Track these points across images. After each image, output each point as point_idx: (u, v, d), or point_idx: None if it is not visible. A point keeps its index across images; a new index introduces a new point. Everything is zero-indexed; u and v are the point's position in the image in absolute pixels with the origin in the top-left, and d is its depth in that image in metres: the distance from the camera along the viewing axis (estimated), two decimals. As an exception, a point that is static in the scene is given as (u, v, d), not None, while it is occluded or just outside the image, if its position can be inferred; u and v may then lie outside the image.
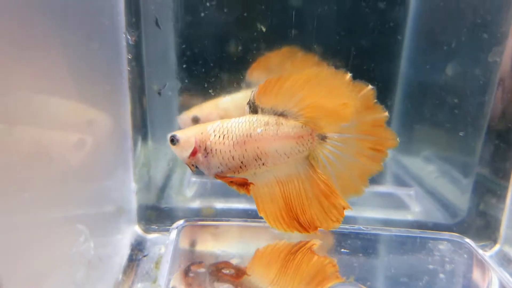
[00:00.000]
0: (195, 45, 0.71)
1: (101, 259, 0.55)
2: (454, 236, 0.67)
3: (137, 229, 0.67)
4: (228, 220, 0.69)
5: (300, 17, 0.71)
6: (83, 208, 0.56)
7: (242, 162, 0.58)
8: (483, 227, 0.70)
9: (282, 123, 0.57)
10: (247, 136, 0.57)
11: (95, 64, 0.56)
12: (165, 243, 0.63)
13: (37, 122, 0.45)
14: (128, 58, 0.65)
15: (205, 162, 0.58)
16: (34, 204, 0.44)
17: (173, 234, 0.63)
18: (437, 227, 0.73)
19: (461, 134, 0.76)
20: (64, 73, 0.49)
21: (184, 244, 0.62)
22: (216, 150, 0.58)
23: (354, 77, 0.63)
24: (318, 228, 0.59)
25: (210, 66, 0.72)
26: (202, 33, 0.71)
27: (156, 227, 0.68)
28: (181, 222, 0.67)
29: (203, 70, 0.72)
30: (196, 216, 0.72)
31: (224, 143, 0.57)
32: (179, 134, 0.59)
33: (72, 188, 0.53)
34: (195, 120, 0.72)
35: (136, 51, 0.66)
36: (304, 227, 0.59)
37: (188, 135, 0.59)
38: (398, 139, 0.59)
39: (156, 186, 0.73)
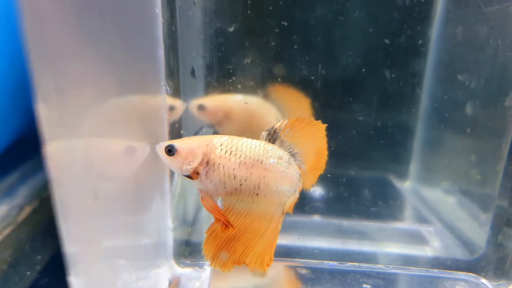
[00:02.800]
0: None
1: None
2: (470, 276, 0.70)
3: (174, 265, 0.72)
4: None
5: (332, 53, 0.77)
6: (124, 241, 0.62)
7: (241, 185, 0.56)
8: (500, 265, 0.73)
9: (291, 164, 0.59)
10: (257, 161, 0.56)
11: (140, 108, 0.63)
12: (199, 278, 0.68)
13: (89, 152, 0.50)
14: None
15: (203, 176, 0.56)
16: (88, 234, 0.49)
17: (207, 271, 0.69)
18: (455, 263, 0.76)
19: (478, 177, 0.79)
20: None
21: (218, 281, 0.67)
22: (219, 165, 0.55)
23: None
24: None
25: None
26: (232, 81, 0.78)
27: (189, 262, 0.73)
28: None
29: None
30: None
31: (230, 159, 0.55)
32: (178, 144, 0.57)
33: (114, 220, 0.59)
34: (201, 108, 0.75)
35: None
36: (235, 260, 0.62)
37: (192, 146, 0.56)
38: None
39: (189, 218, 0.79)
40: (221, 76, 0.77)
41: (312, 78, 0.78)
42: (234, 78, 0.76)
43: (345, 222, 0.87)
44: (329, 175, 0.88)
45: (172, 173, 0.72)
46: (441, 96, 0.87)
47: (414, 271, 0.72)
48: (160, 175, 0.69)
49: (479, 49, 0.78)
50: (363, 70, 0.81)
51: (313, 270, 0.71)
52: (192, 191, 0.81)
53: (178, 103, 0.73)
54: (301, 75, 0.79)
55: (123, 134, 0.60)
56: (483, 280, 0.69)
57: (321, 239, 0.81)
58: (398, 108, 0.87)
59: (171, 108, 0.70)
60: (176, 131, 0.72)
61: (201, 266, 0.71)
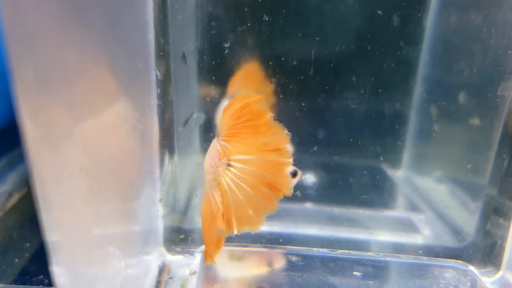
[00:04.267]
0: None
1: (131, 280, 0.61)
2: (459, 263, 0.71)
3: (164, 251, 0.72)
4: (248, 246, 0.73)
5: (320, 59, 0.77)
6: (115, 228, 0.61)
7: None
8: (488, 252, 0.74)
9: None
10: None
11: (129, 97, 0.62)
12: (189, 265, 0.68)
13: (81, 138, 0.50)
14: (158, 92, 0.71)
15: None
16: (71, 222, 0.48)
17: (198, 258, 0.69)
18: (445, 251, 0.77)
19: (469, 166, 0.79)
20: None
21: (209, 269, 0.67)
22: None
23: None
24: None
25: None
26: (226, 67, 0.77)
27: (180, 249, 0.73)
28: (202, 247, 0.72)
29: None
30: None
31: None
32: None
33: (103, 207, 0.59)
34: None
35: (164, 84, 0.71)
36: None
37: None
38: (292, 191, 0.61)
39: (181, 206, 0.79)
40: (213, 60, 0.75)
41: (305, 64, 0.77)
42: (225, 63, 0.75)
43: (337, 210, 0.88)
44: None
45: (162, 160, 0.71)
46: (435, 85, 0.87)
47: (404, 258, 0.73)
48: (150, 162, 0.69)
49: (473, 38, 0.78)
50: (357, 57, 0.80)
51: (304, 257, 0.71)
52: (183, 178, 0.80)
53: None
54: (293, 62, 0.78)
55: (110, 120, 0.59)
56: (471, 267, 0.70)
57: (312, 226, 0.82)
58: (392, 97, 0.87)
59: None
60: (167, 117, 0.72)
61: (191, 253, 0.71)
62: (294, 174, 0.62)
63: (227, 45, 0.75)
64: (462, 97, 0.83)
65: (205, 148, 0.80)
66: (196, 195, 0.82)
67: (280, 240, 0.77)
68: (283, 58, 0.76)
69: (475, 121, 0.79)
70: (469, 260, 0.74)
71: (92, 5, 0.52)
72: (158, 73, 0.69)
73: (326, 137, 0.87)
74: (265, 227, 0.80)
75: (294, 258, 0.71)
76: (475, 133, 0.82)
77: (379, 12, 0.79)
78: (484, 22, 0.75)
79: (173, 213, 0.76)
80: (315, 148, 0.84)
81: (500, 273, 0.71)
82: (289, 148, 0.61)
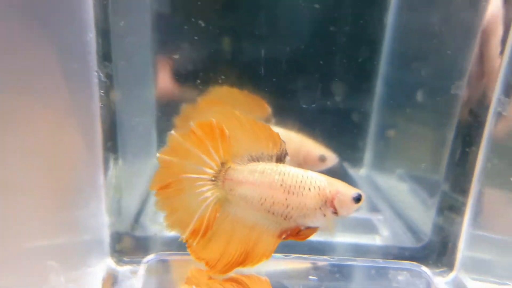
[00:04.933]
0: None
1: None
2: (413, 265, 0.71)
3: (110, 262, 0.69)
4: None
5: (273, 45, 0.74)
6: (53, 240, 0.58)
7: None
8: (443, 252, 0.74)
9: None
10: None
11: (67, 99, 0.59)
12: (137, 275, 0.65)
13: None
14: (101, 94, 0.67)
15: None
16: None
17: (142, 270, 0.66)
18: (403, 252, 0.76)
19: (423, 165, 0.79)
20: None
21: (153, 281, 0.64)
22: None
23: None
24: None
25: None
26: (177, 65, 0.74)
27: (129, 259, 0.70)
28: (152, 256, 0.69)
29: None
30: (173, 246, 0.73)
31: None
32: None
33: (42, 217, 0.55)
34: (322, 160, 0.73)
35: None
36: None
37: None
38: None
39: (130, 213, 0.75)
40: (160, 60, 0.73)
41: (260, 64, 0.75)
42: (173, 62, 0.72)
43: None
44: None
45: (107, 166, 0.68)
46: (395, 84, 0.86)
47: (360, 261, 0.72)
48: (93, 168, 0.65)
49: (429, 37, 0.77)
50: (318, 56, 0.78)
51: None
52: (135, 183, 0.77)
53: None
54: (247, 60, 0.76)
55: (51, 126, 0.56)
56: (425, 269, 0.70)
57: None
58: (353, 96, 0.86)
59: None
60: (111, 120, 0.68)
61: (139, 263, 0.68)
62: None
63: (175, 44, 0.72)
64: (419, 96, 0.82)
65: None
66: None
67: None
68: (233, 57, 0.74)
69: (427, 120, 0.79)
70: (425, 260, 0.74)
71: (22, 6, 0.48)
72: (101, 75, 0.66)
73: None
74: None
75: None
76: (432, 131, 0.82)
77: (336, 12, 0.77)
78: (439, 22, 0.75)
79: (123, 221, 0.72)
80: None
81: (453, 273, 0.71)
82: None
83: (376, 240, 0.81)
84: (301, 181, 0.58)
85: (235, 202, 0.59)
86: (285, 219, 0.58)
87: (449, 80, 0.74)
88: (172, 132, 0.59)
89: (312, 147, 0.77)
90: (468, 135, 0.70)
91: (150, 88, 0.77)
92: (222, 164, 0.59)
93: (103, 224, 0.68)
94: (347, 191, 0.59)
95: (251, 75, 0.75)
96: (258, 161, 0.59)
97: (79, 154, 0.63)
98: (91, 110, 0.64)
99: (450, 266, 0.72)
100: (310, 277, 0.69)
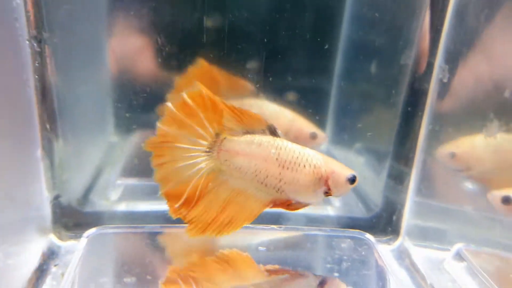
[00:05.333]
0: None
1: (10, 270, 0.56)
2: (357, 233, 0.72)
3: (52, 237, 0.67)
4: (143, 227, 0.70)
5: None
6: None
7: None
8: (389, 221, 0.75)
9: None
10: None
11: None
12: (80, 250, 0.64)
13: None
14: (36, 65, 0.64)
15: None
16: None
17: (83, 243, 0.65)
18: (353, 221, 0.77)
19: (369, 134, 0.79)
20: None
21: (93, 255, 0.63)
22: None
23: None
24: None
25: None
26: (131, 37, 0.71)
27: (74, 234, 0.68)
28: (93, 230, 0.68)
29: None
30: (120, 221, 0.73)
31: None
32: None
33: None
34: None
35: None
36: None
37: None
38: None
39: (75, 189, 0.74)
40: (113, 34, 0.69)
41: (220, 46, 0.72)
42: (112, 29, 0.69)
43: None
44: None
45: (45, 142, 0.65)
46: (352, 59, 0.85)
47: (307, 230, 0.72)
48: (29, 142, 0.63)
49: (382, 10, 0.76)
50: (278, 34, 0.76)
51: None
52: (78, 161, 0.75)
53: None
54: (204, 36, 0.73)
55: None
56: (368, 236, 0.71)
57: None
58: (312, 72, 0.85)
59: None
60: (48, 94, 0.65)
61: (80, 238, 0.66)
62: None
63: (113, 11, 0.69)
64: (373, 70, 0.82)
65: (121, 129, 0.75)
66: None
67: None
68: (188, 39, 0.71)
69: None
70: (373, 229, 0.75)
71: None
72: (35, 44, 0.63)
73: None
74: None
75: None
76: (386, 104, 0.82)
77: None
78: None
79: (66, 197, 0.71)
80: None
81: (398, 241, 0.73)
82: None
83: (328, 211, 0.82)
84: (297, 157, 0.57)
85: (228, 172, 0.59)
86: (277, 191, 0.58)
87: (399, 51, 0.73)
88: (168, 103, 0.58)
89: (304, 124, 0.76)
90: (413, 105, 0.70)
91: (102, 64, 0.74)
92: (217, 134, 0.58)
93: (43, 201, 0.66)
94: (342, 171, 0.58)
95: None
96: (253, 133, 0.59)
97: (11, 129, 0.60)
98: (23, 80, 0.61)
99: (396, 234, 0.74)
100: (260, 248, 0.69)
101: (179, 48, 0.71)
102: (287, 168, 0.57)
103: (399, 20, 0.74)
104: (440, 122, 0.66)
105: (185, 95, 0.57)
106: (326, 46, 0.81)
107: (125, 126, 0.75)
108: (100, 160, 0.80)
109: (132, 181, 0.79)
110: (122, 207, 0.77)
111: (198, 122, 0.57)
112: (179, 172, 0.59)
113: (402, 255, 0.70)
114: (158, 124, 0.58)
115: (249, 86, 0.73)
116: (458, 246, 0.67)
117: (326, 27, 0.80)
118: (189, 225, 0.60)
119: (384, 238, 0.73)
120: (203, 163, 0.58)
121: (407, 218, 0.72)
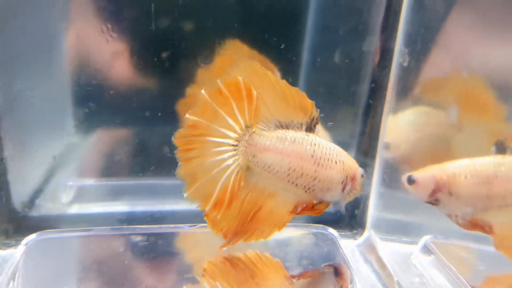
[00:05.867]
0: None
1: None
2: (321, 228, 0.69)
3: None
4: (90, 230, 0.65)
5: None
6: None
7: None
8: (354, 215, 0.72)
9: None
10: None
11: None
12: (17, 258, 0.59)
13: None
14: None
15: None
16: None
17: (20, 251, 0.59)
18: (316, 216, 0.73)
19: (329, 124, 0.76)
20: None
21: (30, 264, 0.58)
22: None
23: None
24: None
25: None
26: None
27: (13, 242, 0.63)
28: (33, 236, 0.63)
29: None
30: (69, 225, 0.68)
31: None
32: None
33: None
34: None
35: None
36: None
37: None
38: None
39: (21, 192, 0.68)
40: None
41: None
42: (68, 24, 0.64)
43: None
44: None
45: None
46: (317, 49, 0.82)
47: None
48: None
49: None
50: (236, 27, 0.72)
51: (153, 236, 0.64)
52: (28, 162, 0.70)
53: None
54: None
55: None
56: (332, 231, 0.68)
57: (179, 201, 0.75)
58: (281, 63, 0.81)
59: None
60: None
61: (19, 245, 0.61)
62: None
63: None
64: (337, 58, 0.79)
65: (81, 128, 0.70)
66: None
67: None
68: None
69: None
70: (339, 224, 0.71)
71: None
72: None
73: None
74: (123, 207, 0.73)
75: (139, 238, 0.64)
76: (353, 93, 0.79)
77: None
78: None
79: (9, 200, 0.66)
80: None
81: (365, 235, 0.70)
82: None
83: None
84: (328, 153, 0.54)
85: (257, 171, 0.54)
86: (306, 191, 0.54)
87: (361, 38, 0.70)
88: (202, 91, 0.52)
89: None
90: (375, 94, 0.67)
91: (56, 61, 0.69)
92: (247, 127, 0.53)
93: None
94: (357, 166, 0.57)
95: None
96: (287, 128, 0.54)
97: None
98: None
99: (361, 228, 0.71)
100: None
101: (135, 41, 0.66)
102: (322, 166, 0.54)
103: (359, 6, 0.71)
104: (401, 109, 0.63)
105: (220, 83, 0.52)
106: (295, 36, 0.78)
107: (86, 125, 0.70)
108: (54, 161, 0.75)
109: (88, 182, 0.75)
110: (73, 209, 0.73)
111: (229, 112, 0.52)
112: (207, 169, 0.53)
113: (368, 250, 0.67)
114: (188, 115, 0.53)
115: (274, 70, 0.70)
116: (426, 238, 0.65)
117: (290, 20, 0.77)
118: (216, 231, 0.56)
119: (349, 233, 0.70)
120: (230, 159, 0.53)
121: (373, 211, 0.69)
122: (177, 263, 0.61)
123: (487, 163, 0.53)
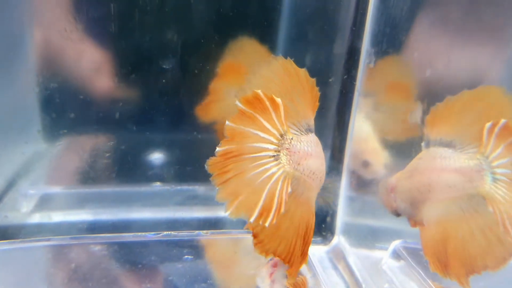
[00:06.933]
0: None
1: None
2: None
3: None
4: (49, 240, 0.62)
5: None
6: None
7: None
8: (323, 221, 0.70)
9: None
10: None
11: None
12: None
13: None
14: None
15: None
16: None
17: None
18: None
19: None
20: None
21: None
22: None
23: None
24: None
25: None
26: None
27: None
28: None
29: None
30: (28, 235, 0.66)
31: None
32: None
33: None
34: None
35: None
36: None
37: None
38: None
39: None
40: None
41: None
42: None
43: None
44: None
45: None
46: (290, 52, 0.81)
47: (235, 234, 0.66)
48: None
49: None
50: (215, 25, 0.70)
51: (115, 245, 0.62)
52: None
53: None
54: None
55: None
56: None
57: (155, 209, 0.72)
58: None
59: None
60: None
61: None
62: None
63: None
64: (308, 61, 0.78)
65: (49, 135, 0.68)
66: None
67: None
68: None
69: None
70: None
71: None
72: None
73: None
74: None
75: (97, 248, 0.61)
76: (322, 97, 0.78)
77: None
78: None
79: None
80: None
81: (334, 241, 0.68)
82: None
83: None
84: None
85: (302, 180, 0.49)
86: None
87: (332, 41, 0.69)
88: (227, 122, 0.46)
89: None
90: (344, 94, 0.66)
91: (20, 64, 0.66)
92: (282, 136, 0.48)
93: None
94: None
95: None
96: (310, 129, 0.51)
97: None
98: None
99: (330, 233, 0.69)
100: (185, 256, 0.62)
101: (102, 42, 0.64)
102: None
103: (330, 8, 0.70)
104: (367, 109, 0.62)
105: (239, 104, 0.46)
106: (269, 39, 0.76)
107: (54, 132, 0.68)
108: (16, 169, 0.72)
109: (52, 190, 0.72)
110: (34, 219, 0.70)
111: (260, 127, 0.47)
112: (250, 182, 0.47)
113: (337, 257, 0.65)
114: (218, 148, 0.47)
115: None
116: (396, 243, 0.63)
117: (269, 20, 0.75)
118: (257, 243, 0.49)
119: (318, 239, 0.68)
120: (274, 167, 0.48)
121: (342, 216, 0.67)
122: (138, 273, 0.58)
123: (417, 157, 0.52)
